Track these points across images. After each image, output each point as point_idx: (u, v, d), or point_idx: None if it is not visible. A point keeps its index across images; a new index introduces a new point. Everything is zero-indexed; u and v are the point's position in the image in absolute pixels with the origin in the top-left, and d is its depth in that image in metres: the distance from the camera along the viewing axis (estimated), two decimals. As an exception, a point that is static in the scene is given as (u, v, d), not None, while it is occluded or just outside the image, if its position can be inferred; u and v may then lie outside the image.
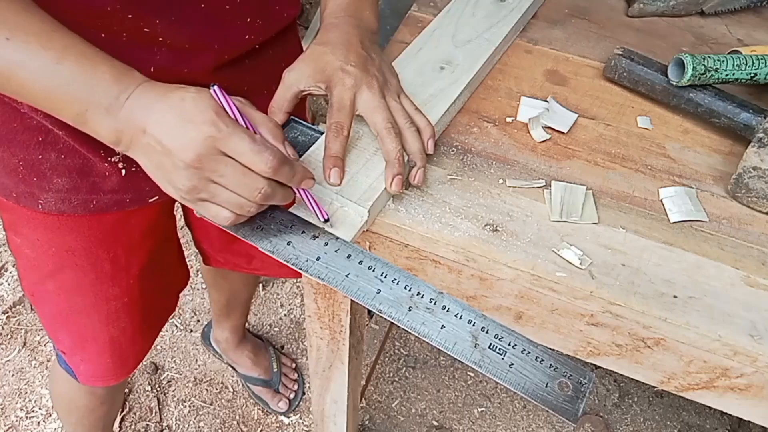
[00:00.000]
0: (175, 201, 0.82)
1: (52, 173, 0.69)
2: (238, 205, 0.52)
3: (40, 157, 0.68)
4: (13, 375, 1.54)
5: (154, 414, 1.50)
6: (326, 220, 0.59)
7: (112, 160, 0.69)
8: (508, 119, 0.76)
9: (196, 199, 0.53)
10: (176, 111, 0.50)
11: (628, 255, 0.63)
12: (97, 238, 0.77)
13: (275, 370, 1.54)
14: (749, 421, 0.68)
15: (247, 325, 1.65)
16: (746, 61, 0.76)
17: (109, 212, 0.74)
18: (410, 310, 0.55)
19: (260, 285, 1.74)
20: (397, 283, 0.56)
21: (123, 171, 0.70)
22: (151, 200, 0.75)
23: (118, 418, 1.47)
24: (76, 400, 1.09)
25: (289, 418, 1.51)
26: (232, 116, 0.51)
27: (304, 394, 1.55)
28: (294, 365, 1.60)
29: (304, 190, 0.57)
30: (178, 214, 1.07)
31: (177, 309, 1.65)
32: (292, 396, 1.54)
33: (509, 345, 0.54)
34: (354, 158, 0.65)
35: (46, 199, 0.71)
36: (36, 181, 0.69)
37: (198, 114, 0.49)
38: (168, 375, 1.57)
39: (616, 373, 1.39)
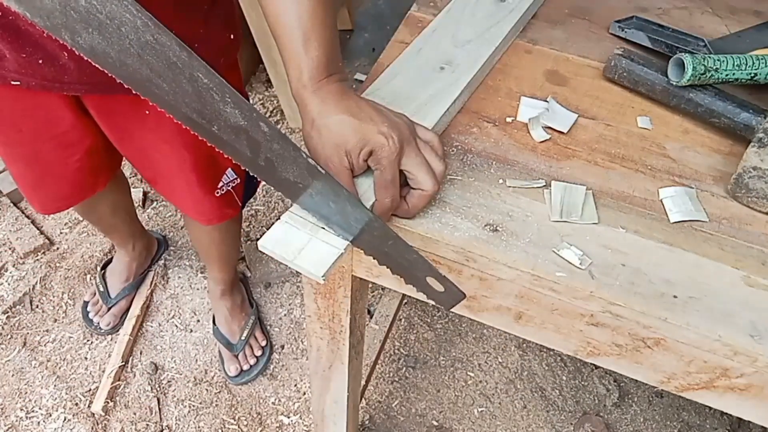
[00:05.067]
0: (68, 97, 0.94)
1: None
2: None
3: None
4: (13, 375, 1.54)
5: (154, 414, 1.50)
6: None
7: None
8: (508, 119, 0.76)
9: None
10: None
11: (628, 255, 0.63)
12: None
13: (243, 338, 1.58)
14: (749, 421, 0.68)
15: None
16: (746, 61, 0.76)
17: None
18: None
19: (260, 285, 1.74)
20: None
21: None
22: (13, 83, 0.85)
23: (119, 420, 1.47)
24: None
25: (289, 418, 1.51)
26: None
27: (262, 374, 1.58)
28: (265, 343, 1.62)
29: None
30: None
31: (176, 309, 1.67)
32: (246, 368, 1.56)
33: None
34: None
35: None
36: None
37: None
38: (168, 375, 1.57)
39: (616, 373, 1.39)
